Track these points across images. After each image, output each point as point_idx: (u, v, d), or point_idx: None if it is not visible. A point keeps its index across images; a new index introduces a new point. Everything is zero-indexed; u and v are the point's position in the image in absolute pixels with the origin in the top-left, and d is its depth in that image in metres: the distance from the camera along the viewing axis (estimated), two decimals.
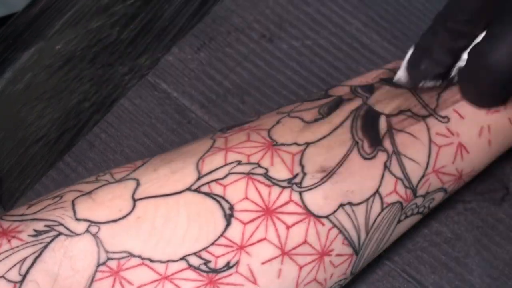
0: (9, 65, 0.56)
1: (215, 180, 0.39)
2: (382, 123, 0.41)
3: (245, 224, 0.38)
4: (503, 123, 0.44)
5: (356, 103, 0.42)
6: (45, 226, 0.37)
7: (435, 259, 0.49)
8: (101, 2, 0.57)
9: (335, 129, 0.41)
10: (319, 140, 0.40)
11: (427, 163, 0.42)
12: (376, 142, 0.41)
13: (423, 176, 0.42)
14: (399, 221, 0.42)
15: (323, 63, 0.54)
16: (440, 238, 0.49)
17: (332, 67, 0.54)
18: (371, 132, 0.41)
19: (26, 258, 0.36)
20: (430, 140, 0.42)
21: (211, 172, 0.39)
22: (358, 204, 0.40)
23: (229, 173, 0.39)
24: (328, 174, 0.39)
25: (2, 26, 0.57)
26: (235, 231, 0.38)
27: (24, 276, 0.35)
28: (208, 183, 0.38)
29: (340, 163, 0.40)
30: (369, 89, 0.43)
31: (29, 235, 0.36)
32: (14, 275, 0.35)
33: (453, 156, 0.42)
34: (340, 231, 0.39)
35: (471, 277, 0.48)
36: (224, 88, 0.53)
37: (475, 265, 0.49)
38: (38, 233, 0.36)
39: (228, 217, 0.38)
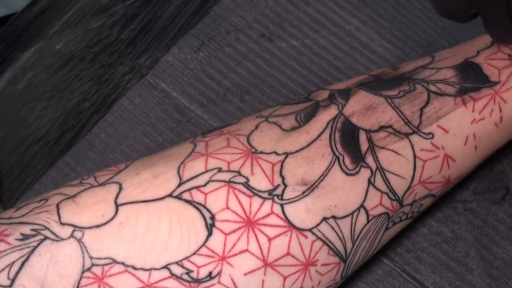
0: (9, 65, 0.56)
1: (196, 187, 0.38)
2: (362, 139, 0.41)
3: (226, 234, 0.38)
4: (489, 129, 0.43)
5: (332, 111, 0.42)
6: (32, 230, 0.37)
7: (435, 259, 0.49)
8: (101, 2, 0.57)
9: (313, 140, 0.41)
10: (298, 151, 0.40)
11: (413, 177, 0.41)
12: (358, 158, 0.40)
13: (408, 188, 0.41)
14: (387, 228, 0.42)
15: (322, 62, 0.54)
16: (440, 238, 0.49)
17: (331, 66, 0.54)
18: (351, 148, 0.40)
19: (14, 262, 0.36)
20: (414, 156, 0.41)
21: (192, 178, 0.39)
22: (343, 217, 0.40)
23: (209, 181, 0.39)
24: (310, 188, 0.39)
25: (2, 26, 0.57)
26: (216, 242, 0.38)
27: (13, 281, 0.36)
28: (189, 190, 0.38)
29: (322, 177, 0.40)
30: (346, 94, 0.43)
31: (16, 239, 0.36)
32: (3, 279, 0.36)
33: (439, 167, 0.42)
34: (325, 243, 0.39)
35: (471, 277, 0.48)
36: (224, 87, 0.53)
37: (475, 265, 0.48)
38: (25, 237, 0.37)
39: (210, 227, 0.38)
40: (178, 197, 0.38)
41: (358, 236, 0.40)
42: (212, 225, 0.38)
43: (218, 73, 0.54)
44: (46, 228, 0.37)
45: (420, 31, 0.55)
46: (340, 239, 0.40)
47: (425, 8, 0.56)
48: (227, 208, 0.38)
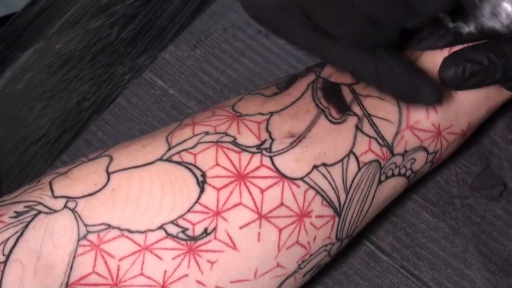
0: (9, 65, 0.56)
1: (185, 150, 0.39)
2: (346, 92, 0.41)
3: (218, 190, 0.38)
4: None
5: (311, 77, 0.43)
6: (25, 207, 0.37)
7: (434, 255, 0.49)
8: (101, 1, 0.58)
9: (296, 100, 0.41)
10: (282, 109, 0.41)
11: (399, 120, 0.41)
12: (343, 108, 0.41)
13: (397, 133, 0.41)
14: (380, 181, 0.42)
15: (318, 58, 0.54)
16: (438, 233, 0.49)
17: None
18: (336, 100, 0.41)
19: (8, 238, 0.36)
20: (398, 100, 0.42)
21: (180, 143, 0.39)
22: (333, 164, 0.40)
23: (198, 143, 0.39)
24: (298, 139, 0.40)
25: (2, 26, 0.58)
26: (209, 197, 0.38)
27: (8, 256, 0.36)
28: (178, 152, 0.39)
29: (309, 128, 0.40)
30: (321, 64, 0.44)
31: (10, 217, 0.37)
32: None
33: (426, 110, 0.42)
34: (317, 192, 0.39)
35: (470, 272, 0.48)
36: (221, 84, 0.53)
37: (474, 260, 0.48)
38: (18, 214, 0.37)
39: (201, 184, 0.38)
40: (168, 160, 0.39)
41: (350, 186, 0.40)
42: (204, 181, 0.38)
43: (215, 70, 0.54)
44: (40, 203, 0.37)
45: None
46: (333, 188, 0.40)
47: None
48: (217, 165, 0.38)
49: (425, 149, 0.43)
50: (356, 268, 0.49)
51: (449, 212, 0.49)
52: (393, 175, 0.42)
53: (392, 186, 0.43)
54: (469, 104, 0.44)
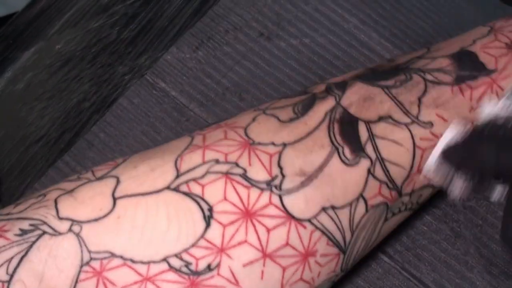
0: (9, 65, 0.56)
1: (194, 179, 0.38)
2: (362, 130, 0.40)
3: (225, 226, 0.37)
4: None
5: (330, 102, 0.42)
6: (30, 225, 0.37)
7: (435, 257, 0.49)
8: (101, 2, 0.57)
9: (312, 131, 0.40)
10: (296, 141, 0.40)
11: (411, 166, 0.41)
12: (358, 149, 0.40)
13: (407, 177, 0.41)
14: (386, 219, 0.42)
15: (321, 61, 0.54)
16: (440, 236, 0.49)
17: (330, 64, 0.54)
18: (351, 139, 0.40)
19: (12, 257, 0.36)
20: (414, 145, 0.41)
21: (189, 170, 0.39)
22: (342, 207, 0.39)
23: (207, 172, 0.39)
24: (309, 178, 0.39)
25: (2, 26, 0.57)
26: (215, 233, 0.37)
27: (12, 276, 0.36)
28: (186, 182, 0.38)
29: (321, 168, 0.39)
30: (343, 86, 0.43)
31: (15, 234, 0.37)
32: (2, 274, 0.35)
33: None
34: (324, 233, 0.39)
35: (471, 274, 0.48)
36: (223, 86, 0.53)
37: (475, 263, 0.48)
38: (23, 232, 0.37)
39: (208, 219, 0.37)
40: (176, 189, 0.38)
41: (357, 227, 0.40)
42: (210, 216, 0.37)
43: (217, 72, 0.54)
44: (45, 223, 0.37)
45: (419, 30, 0.55)
46: (339, 229, 0.39)
47: (423, 7, 0.56)
48: (225, 199, 0.38)
49: (432, 186, 0.43)
50: (357, 270, 0.49)
51: (450, 214, 0.50)
52: (399, 211, 0.42)
53: (397, 220, 0.43)
54: None
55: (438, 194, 0.48)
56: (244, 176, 0.39)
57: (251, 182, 0.38)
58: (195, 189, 0.38)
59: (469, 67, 0.43)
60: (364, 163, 0.40)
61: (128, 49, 0.56)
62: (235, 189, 0.38)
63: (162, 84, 0.54)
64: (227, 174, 0.38)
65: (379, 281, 0.48)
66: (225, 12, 0.56)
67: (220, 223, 0.37)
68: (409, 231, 0.49)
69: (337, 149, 0.40)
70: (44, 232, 0.37)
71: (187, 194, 0.38)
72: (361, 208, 0.40)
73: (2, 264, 0.36)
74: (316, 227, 0.39)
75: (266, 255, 0.38)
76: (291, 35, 0.55)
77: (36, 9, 0.58)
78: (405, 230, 0.49)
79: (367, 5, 0.56)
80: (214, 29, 0.55)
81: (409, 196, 0.42)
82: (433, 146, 0.41)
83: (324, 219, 0.39)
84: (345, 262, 0.41)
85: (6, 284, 0.35)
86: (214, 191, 0.38)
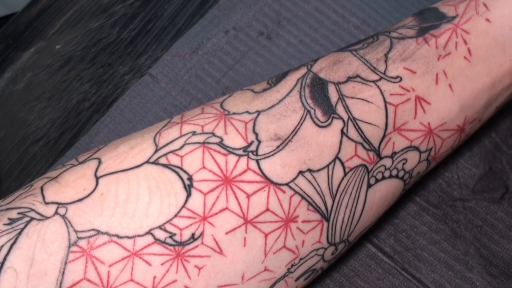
0: (9, 65, 0.56)
1: (172, 152, 0.39)
2: (332, 91, 0.41)
3: (205, 194, 0.38)
4: (459, 64, 0.43)
5: (302, 71, 0.42)
6: (18, 213, 0.37)
7: (435, 258, 0.49)
8: (101, 2, 0.57)
9: (284, 97, 0.41)
10: (269, 108, 0.41)
11: (386, 124, 0.41)
12: (329, 110, 0.40)
13: (384, 136, 0.41)
14: (370, 185, 0.42)
15: None
16: (440, 236, 0.49)
17: None
18: (322, 100, 0.41)
19: (2, 246, 0.36)
20: (385, 102, 0.41)
21: (167, 144, 0.39)
22: (318, 170, 0.40)
23: (185, 144, 0.39)
24: (284, 142, 0.39)
25: (2, 26, 0.57)
26: (196, 202, 0.38)
27: (2, 263, 0.36)
28: (165, 154, 0.39)
29: (295, 131, 0.40)
30: (316, 59, 0.44)
31: (4, 224, 0.37)
32: None
33: (413, 110, 0.42)
34: (303, 198, 0.39)
35: (471, 275, 0.48)
36: (223, 86, 0.53)
37: (475, 263, 0.48)
38: (12, 220, 0.37)
39: (188, 188, 0.38)
40: (155, 162, 0.39)
41: (337, 191, 0.40)
42: (190, 185, 0.38)
43: (217, 72, 0.54)
44: (32, 209, 0.37)
45: None
46: (318, 193, 0.40)
47: (422, 7, 0.56)
48: (204, 167, 0.38)
49: (416, 148, 0.42)
50: (357, 270, 0.49)
51: (450, 214, 0.50)
52: (383, 177, 0.42)
53: (385, 189, 0.43)
54: (465, 99, 0.43)
55: (438, 195, 0.48)
56: (221, 144, 0.39)
57: (228, 150, 0.39)
58: (174, 160, 0.39)
59: (430, 19, 0.44)
60: (337, 124, 0.40)
61: (128, 49, 0.56)
62: (212, 157, 0.39)
63: (162, 83, 0.54)
64: (204, 143, 0.39)
65: (379, 281, 0.48)
66: (225, 12, 0.56)
67: (200, 191, 0.38)
68: (409, 231, 0.49)
69: (309, 112, 0.40)
70: (32, 218, 0.37)
71: (167, 166, 0.38)
72: (338, 170, 0.40)
73: None
74: (295, 191, 0.39)
75: (247, 221, 0.38)
76: (291, 34, 0.55)
77: (36, 9, 0.58)
78: (405, 230, 0.49)
79: (367, 5, 0.56)
80: (214, 29, 0.55)
81: (391, 159, 0.42)
82: (406, 101, 0.41)
83: (302, 182, 0.39)
84: (330, 232, 0.41)
85: None
86: (192, 160, 0.39)
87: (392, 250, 0.49)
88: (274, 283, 0.40)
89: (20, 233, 0.37)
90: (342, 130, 0.40)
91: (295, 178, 0.39)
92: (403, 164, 0.42)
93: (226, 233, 0.38)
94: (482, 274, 0.48)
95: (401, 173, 0.43)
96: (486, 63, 0.43)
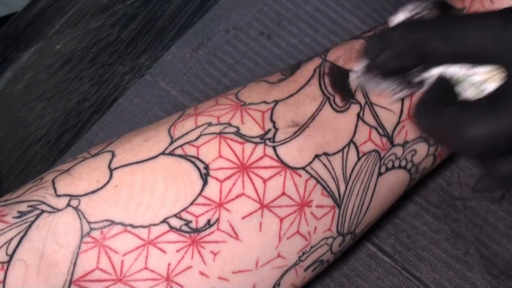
0: (9, 65, 0.56)
1: (188, 143, 0.39)
2: (352, 78, 0.41)
3: (221, 181, 0.38)
4: None
5: (316, 61, 0.43)
6: (28, 206, 0.37)
7: (435, 257, 0.49)
8: (101, 2, 0.57)
9: (302, 87, 0.41)
10: (288, 97, 0.41)
11: (401, 110, 0.41)
12: (348, 95, 0.41)
13: (398, 122, 0.41)
14: (380, 173, 0.42)
15: None
16: (440, 236, 0.49)
17: None
18: (342, 88, 0.41)
19: (12, 238, 0.36)
20: None
21: (183, 135, 0.39)
22: (334, 154, 0.40)
23: (201, 135, 0.39)
24: (301, 128, 0.40)
25: (2, 26, 0.57)
26: (212, 189, 0.38)
27: (11, 256, 0.36)
28: (181, 146, 0.39)
29: (313, 117, 0.40)
30: (325, 50, 0.44)
31: (13, 217, 0.37)
32: (1, 256, 0.36)
33: None
34: (318, 182, 0.40)
35: (471, 274, 0.48)
36: (223, 86, 0.53)
37: (475, 263, 0.48)
38: (22, 213, 0.37)
39: (205, 176, 0.38)
40: (171, 154, 0.39)
41: (350, 176, 0.40)
42: (207, 174, 0.38)
43: (218, 72, 0.54)
44: (43, 202, 0.37)
45: None
46: (333, 177, 0.40)
47: None
48: (220, 156, 0.39)
49: (425, 140, 0.43)
50: (357, 269, 0.49)
51: (451, 214, 0.50)
52: (393, 167, 0.42)
53: (393, 180, 0.43)
54: None
55: (438, 194, 0.49)
56: (238, 133, 0.39)
57: (244, 138, 0.39)
58: (190, 151, 0.39)
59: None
60: (354, 108, 0.41)
61: (128, 49, 0.56)
62: (229, 146, 0.39)
63: (162, 83, 0.54)
64: (220, 133, 0.39)
65: (379, 281, 0.48)
66: (226, 11, 0.56)
67: (216, 179, 0.38)
68: (409, 231, 0.49)
69: (328, 98, 0.41)
70: (43, 211, 0.37)
71: (182, 156, 0.38)
72: (352, 154, 0.40)
73: (1, 247, 0.36)
74: (311, 175, 0.39)
75: (263, 205, 0.39)
76: (291, 34, 0.55)
77: (36, 9, 0.58)
78: (405, 230, 0.49)
79: (367, 5, 0.56)
80: (215, 28, 0.55)
81: (402, 148, 0.42)
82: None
83: (318, 166, 0.40)
84: (340, 220, 0.41)
85: (6, 265, 0.36)
86: (208, 150, 0.39)
87: (392, 250, 0.49)
88: (286, 271, 0.41)
89: (30, 226, 0.37)
90: (358, 114, 0.41)
91: (311, 162, 0.39)
92: (412, 155, 0.43)
93: (242, 218, 0.38)
94: (482, 274, 0.48)
95: (409, 165, 0.43)
96: None
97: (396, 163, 0.42)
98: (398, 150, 0.42)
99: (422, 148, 0.43)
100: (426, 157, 0.43)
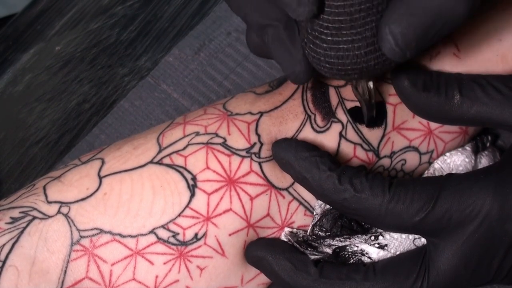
0: (9, 66, 0.56)
1: (176, 152, 0.39)
2: (332, 94, 0.41)
3: (209, 194, 0.38)
4: (450, 54, 0.42)
5: None
6: (20, 212, 0.38)
7: None
8: (101, 3, 0.57)
9: (286, 100, 0.41)
10: (272, 110, 0.41)
11: (385, 123, 0.41)
12: (328, 115, 0.41)
13: (383, 136, 0.41)
14: None
15: None
16: None
17: None
18: (322, 104, 0.41)
19: (4, 244, 0.37)
20: (385, 102, 0.41)
21: (171, 144, 0.40)
22: None
23: (188, 144, 0.39)
24: None
25: (2, 27, 0.57)
26: (200, 202, 0.38)
27: (4, 262, 0.36)
28: (169, 155, 0.39)
29: (295, 136, 0.40)
30: None
31: (6, 223, 0.37)
32: None
33: None
34: (301, 203, 0.40)
35: None
36: (225, 88, 0.53)
37: None
38: (14, 219, 0.37)
39: (192, 188, 0.38)
40: (159, 163, 0.39)
41: None
42: (194, 185, 0.38)
43: (219, 74, 0.54)
44: (34, 209, 0.38)
45: None
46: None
47: None
48: (208, 168, 0.39)
49: (415, 149, 0.42)
50: None
51: None
52: None
53: None
54: None
55: None
56: (224, 144, 0.39)
57: (231, 150, 0.39)
58: (178, 160, 0.39)
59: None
60: (336, 128, 0.41)
61: (128, 51, 0.56)
62: (216, 157, 0.39)
63: (163, 86, 0.54)
64: (207, 144, 0.39)
65: None
66: (227, 14, 0.56)
67: (204, 191, 0.38)
68: None
69: (309, 117, 0.41)
70: (34, 217, 0.37)
71: (170, 166, 0.39)
72: None
73: None
74: (293, 197, 0.40)
75: (249, 225, 0.39)
76: None
77: (36, 10, 0.58)
78: None
79: None
80: (216, 31, 0.55)
81: (390, 159, 0.42)
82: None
83: (300, 187, 0.40)
84: None
85: None
86: (196, 160, 0.39)
87: None
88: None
89: (22, 232, 0.37)
90: (340, 133, 0.41)
91: (294, 183, 0.40)
92: (402, 165, 0.42)
93: (230, 235, 0.39)
94: None
95: (400, 174, 0.43)
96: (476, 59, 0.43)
97: (385, 174, 0.42)
98: (386, 162, 0.42)
99: (412, 157, 0.43)
100: (419, 166, 0.43)
